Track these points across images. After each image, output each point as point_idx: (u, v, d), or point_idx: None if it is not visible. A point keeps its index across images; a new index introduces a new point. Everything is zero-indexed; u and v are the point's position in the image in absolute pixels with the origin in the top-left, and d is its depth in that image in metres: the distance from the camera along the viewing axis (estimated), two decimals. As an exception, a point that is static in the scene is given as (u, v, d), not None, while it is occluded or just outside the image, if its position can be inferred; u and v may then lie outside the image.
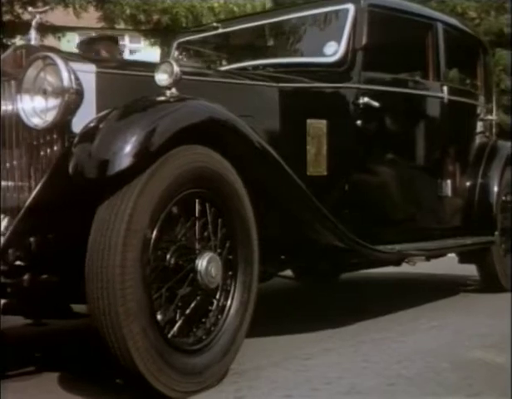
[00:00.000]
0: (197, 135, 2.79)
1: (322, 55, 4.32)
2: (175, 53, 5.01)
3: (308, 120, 3.94)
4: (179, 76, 2.82)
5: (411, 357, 3.35)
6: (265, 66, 4.47)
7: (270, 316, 4.20)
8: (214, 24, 4.93)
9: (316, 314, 4.56)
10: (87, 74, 2.94)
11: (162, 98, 2.80)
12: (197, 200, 2.83)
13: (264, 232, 3.12)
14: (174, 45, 5.04)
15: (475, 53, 5.57)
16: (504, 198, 5.29)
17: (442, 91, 4.81)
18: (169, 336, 2.69)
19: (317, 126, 3.97)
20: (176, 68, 2.82)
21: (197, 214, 2.84)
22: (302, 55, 4.68)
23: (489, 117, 5.53)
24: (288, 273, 5.00)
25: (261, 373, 3.06)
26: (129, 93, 2.86)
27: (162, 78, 2.86)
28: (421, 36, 4.86)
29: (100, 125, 2.64)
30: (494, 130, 5.63)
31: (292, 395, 2.74)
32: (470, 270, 5.50)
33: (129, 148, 2.53)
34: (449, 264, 5.72)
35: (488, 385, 2.90)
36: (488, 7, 16.98)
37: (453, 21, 5.39)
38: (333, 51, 4.27)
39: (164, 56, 6.37)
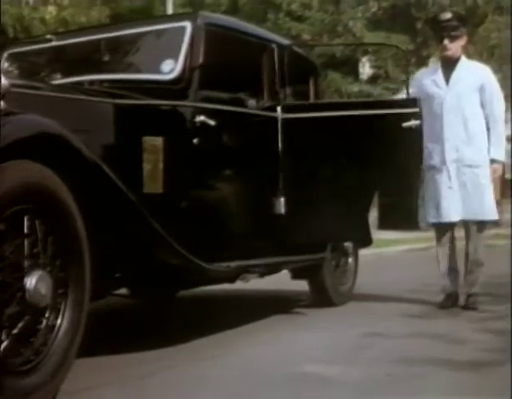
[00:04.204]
0: (27, 151, 2.72)
1: (160, 72, 4.32)
2: (5, 65, 4.83)
3: (144, 138, 3.93)
4: (8, 88, 2.74)
5: (245, 373, 3.41)
6: (102, 82, 4.42)
7: (107, 335, 4.14)
8: (48, 36, 4.81)
9: (154, 332, 4.54)
10: None
11: (-11, 111, 2.71)
12: (26, 217, 2.75)
13: (98, 249, 3.08)
14: (5, 56, 4.87)
15: (307, 74, 5.74)
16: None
17: (276, 110, 4.93)
18: (-4, 357, 2.60)
19: (153, 144, 3.96)
20: (4, 81, 2.74)
21: (26, 231, 2.76)
22: (140, 71, 4.65)
23: None
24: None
25: (93, 393, 3.02)
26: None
27: (-12, 91, 2.77)
28: (257, 56, 4.96)
29: None
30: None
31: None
32: (303, 286, 5.64)
33: (-47, 162, 2.43)
34: (282, 281, 5.84)
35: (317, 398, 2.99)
36: (321, 31, 17.62)
37: (287, 42, 5.53)
38: (170, 68, 4.29)
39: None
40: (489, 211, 5.35)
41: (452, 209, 5.29)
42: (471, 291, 5.42)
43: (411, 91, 5.09)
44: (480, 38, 16.87)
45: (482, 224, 5.44)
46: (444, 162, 5.31)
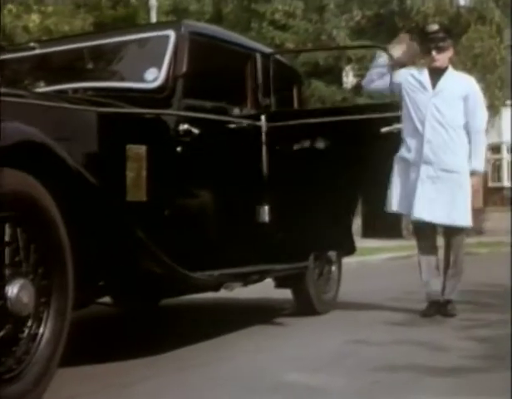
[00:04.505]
0: (10, 158, 2.71)
1: (144, 81, 4.32)
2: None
3: (128, 146, 3.92)
4: (-9, 96, 2.73)
5: (230, 381, 3.39)
6: (86, 90, 4.40)
7: (91, 344, 4.12)
8: (32, 44, 4.80)
9: (137, 341, 4.52)
10: None
11: (-29, 119, 2.70)
12: (8, 224, 2.74)
13: (81, 257, 3.07)
14: (-10, 64, 4.86)
15: (291, 83, 5.76)
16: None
17: (260, 118, 4.94)
18: (-23, 366, 2.58)
19: (137, 152, 3.95)
20: (-13, 89, 2.73)
21: (8, 239, 2.75)
22: (123, 80, 4.64)
23: None
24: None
25: (75, 402, 3.01)
26: None
27: (-28, 98, 2.76)
28: (241, 64, 4.98)
29: None
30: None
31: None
32: (287, 294, 5.64)
33: None
34: (266, 289, 5.84)
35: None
36: (305, 40, 17.67)
37: (271, 51, 5.54)
38: (154, 77, 4.29)
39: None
40: (463, 217, 5.34)
41: (424, 207, 5.27)
42: (450, 297, 5.44)
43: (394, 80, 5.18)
44: (463, 48, 16.95)
45: (462, 232, 5.46)
46: (419, 160, 5.31)
